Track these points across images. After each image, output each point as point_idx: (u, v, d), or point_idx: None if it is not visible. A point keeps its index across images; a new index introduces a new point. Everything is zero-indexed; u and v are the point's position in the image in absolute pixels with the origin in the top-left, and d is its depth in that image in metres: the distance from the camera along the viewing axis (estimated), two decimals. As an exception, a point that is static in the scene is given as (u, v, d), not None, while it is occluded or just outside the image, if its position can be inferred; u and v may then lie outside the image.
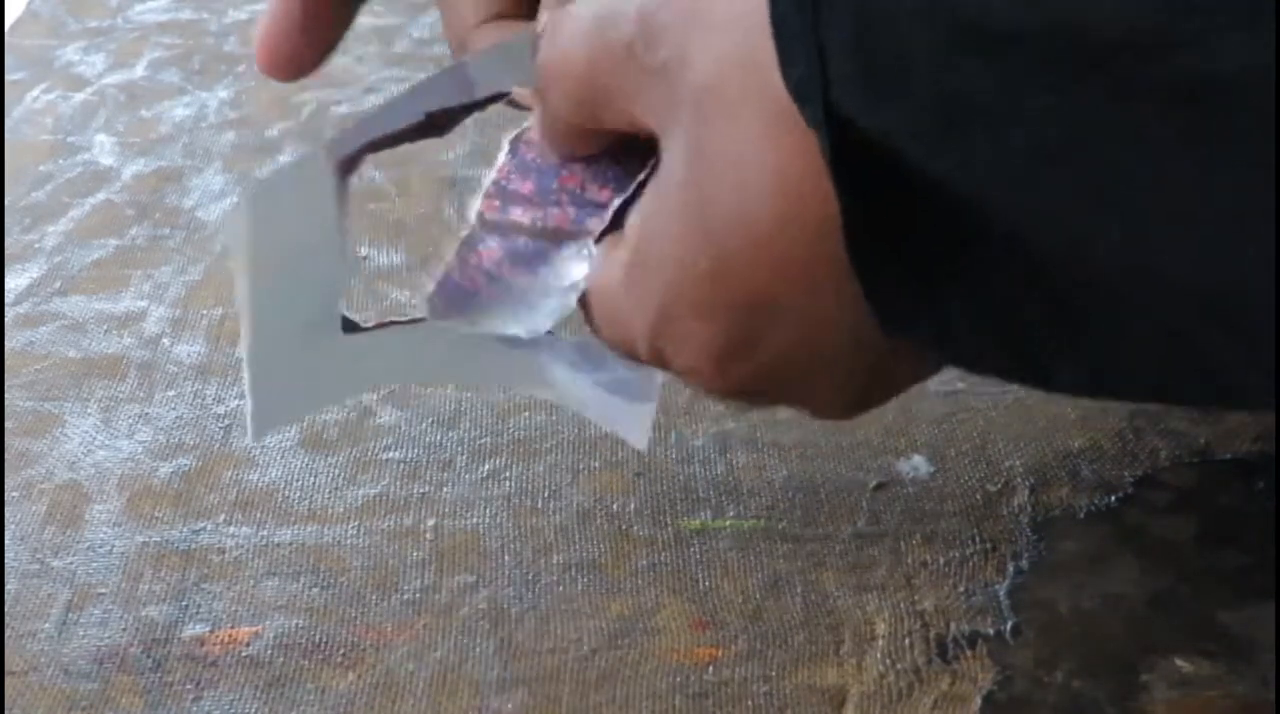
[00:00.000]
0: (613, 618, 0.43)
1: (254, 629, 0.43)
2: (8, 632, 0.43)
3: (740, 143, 0.34)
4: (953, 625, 0.42)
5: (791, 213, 0.33)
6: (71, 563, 0.45)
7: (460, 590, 0.44)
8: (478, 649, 0.42)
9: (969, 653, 0.42)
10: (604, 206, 0.40)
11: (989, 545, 0.45)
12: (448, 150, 0.66)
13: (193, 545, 0.46)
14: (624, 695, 0.41)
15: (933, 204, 0.31)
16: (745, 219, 0.34)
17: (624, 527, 0.46)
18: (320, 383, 0.43)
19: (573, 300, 0.40)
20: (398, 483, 0.48)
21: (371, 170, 0.65)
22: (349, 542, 0.46)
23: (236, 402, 0.52)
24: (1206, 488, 0.47)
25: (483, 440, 0.50)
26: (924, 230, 0.32)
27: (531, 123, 0.42)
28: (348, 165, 0.41)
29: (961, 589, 0.44)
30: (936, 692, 0.40)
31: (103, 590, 0.44)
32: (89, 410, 0.52)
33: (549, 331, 0.41)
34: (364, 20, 0.75)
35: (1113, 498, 0.47)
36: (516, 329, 0.41)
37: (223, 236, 0.40)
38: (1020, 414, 0.50)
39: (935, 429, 0.50)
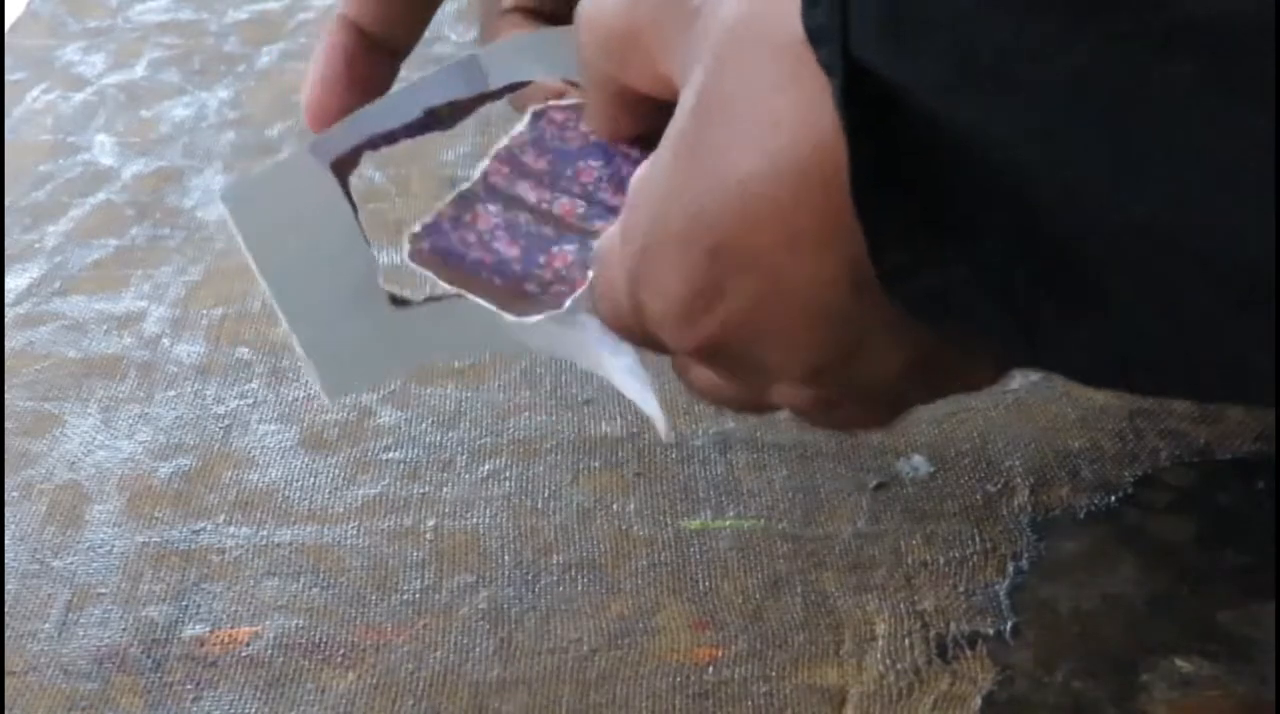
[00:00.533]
0: (613, 618, 0.43)
1: (254, 629, 0.43)
2: (8, 632, 0.43)
3: (746, 83, 0.33)
4: (953, 625, 0.42)
5: (781, 155, 0.32)
6: (71, 563, 0.45)
7: (460, 590, 0.44)
8: (478, 649, 0.42)
9: (969, 653, 0.42)
10: (613, 210, 0.40)
11: (989, 545, 0.45)
12: (448, 150, 0.66)
13: (193, 545, 0.46)
14: (624, 695, 0.41)
15: (947, 158, 0.31)
16: (731, 157, 0.33)
17: (624, 527, 0.46)
18: (382, 352, 0.43)
19: (565, 305, 0.40)
20: (398, 483, 0.48)
21: (371, 170, 0.65)
22: (349, 542, 0.46)
23: (236, 401, 0.52)
24: (1206, 488, 0.47)
25: (483, 440, 0.50)
26: (935, 184, 0.32)
27: (559, 102, 0.42)
28: (346, 163, 0.41)
29: (961, 589, 0.44)
30: (936, 692, 0.40)
31: (103, 590, 0.44)
32: (89, 410, 0.52)
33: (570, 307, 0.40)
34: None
35: (1113, 498, 0.47)
36: (505, 315, 0.40)
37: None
38: (1020, 414, 0.50)
39: (935, 429, 0.50)
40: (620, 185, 0.40)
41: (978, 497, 0.47)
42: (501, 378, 0.53)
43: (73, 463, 0.49)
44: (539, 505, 0.47)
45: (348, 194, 0.41)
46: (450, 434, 0.50)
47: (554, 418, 0.51)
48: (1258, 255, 0.28)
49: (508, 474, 0.49)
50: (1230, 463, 0.48)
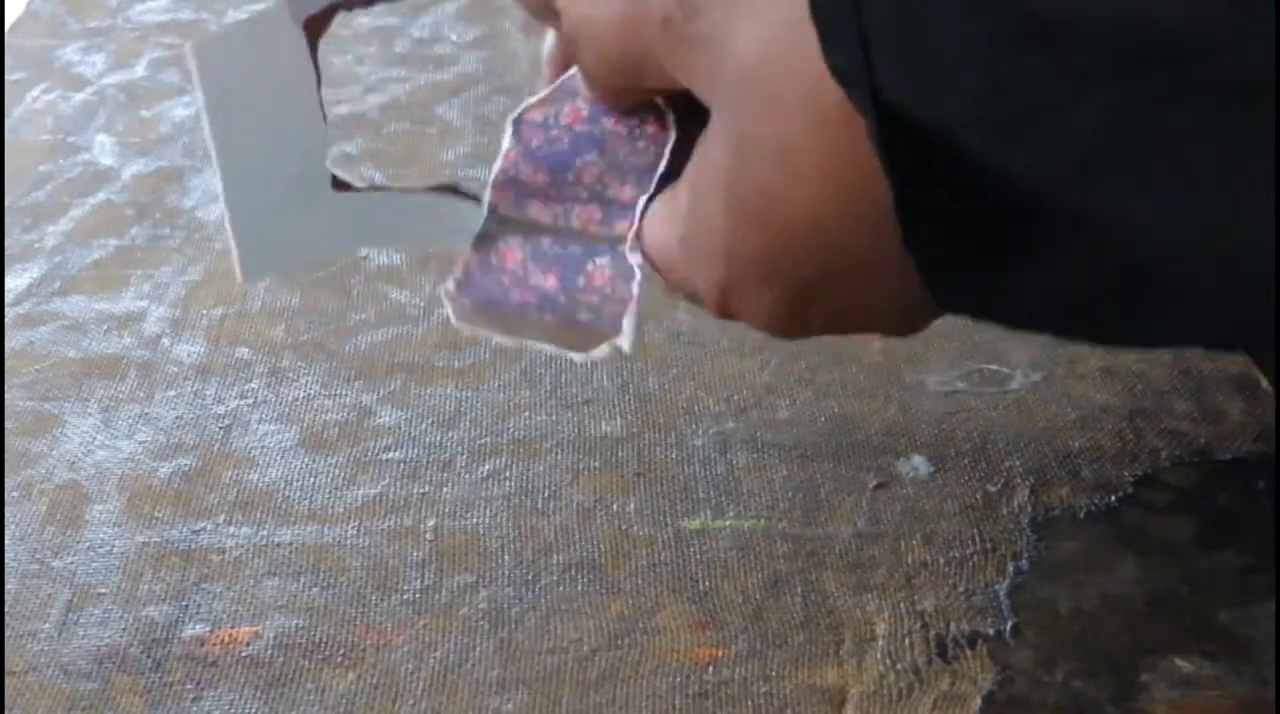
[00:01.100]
0: (613, 618, 0.43)
1: (254, 629, 0.43)
2: (8, 632, 0.43)
3: (786, 132, 0.35)
4: (953, 625, 0.42)
5: (839, 200, 0.35)
6: (71, 563, 0.45)
7: (460, 590, 0.44)
8: (478, 649, 0.42)
9: (969, 653, 0.42)
10: (629, 205, 0.40)
11: (989, 545, 0.45)
12: (448, 150, 0.66)
13: (193, 545, 0.46)
14: (624, 695, 0.41)
15: (986, 186, 0.32)
16: (795, 207, 0.35)
17: (624, 527, 0.46)
18: (311, 235, 0.43)
19: (625, 328, 0.40)
20: (398, 483, 0.48)
21: (371, 170, 0.65)
22: (349, 542, 0.46)
23: (236, 401, 0.52)
24: (1206, 488, 0.47)
25: (483, 440, 0.50)
26: (976, 210, 0.33)
27: (531, 100, 0.42)
28: (316, 24, 0.41)
29: (961, 589, 0.44)
30: (936, 692, 0.40)
31: (103, 590, 0.44)
32: (89, 410, 0.52)
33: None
34: (364, 20, 0.76)
35: (1113, 498, 0.47)
36: (574, 356, 0.41)
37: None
38: (1020, 414, 0.50)
39: (935, 429, 0.50)
40: (623, 174, 0.40)
41: (978, 496, 0.47)
42: (501, 378, 0.53)
43: (73, 463, 0.49)
44: (539, 505, 0.47)
45: (315, 60, 0.41)
46: (450, 434, 0.50)
47: (554, 418, 0.51)
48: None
49: (508, 474, 0.49)
50: (1230, 463, 0.48)
